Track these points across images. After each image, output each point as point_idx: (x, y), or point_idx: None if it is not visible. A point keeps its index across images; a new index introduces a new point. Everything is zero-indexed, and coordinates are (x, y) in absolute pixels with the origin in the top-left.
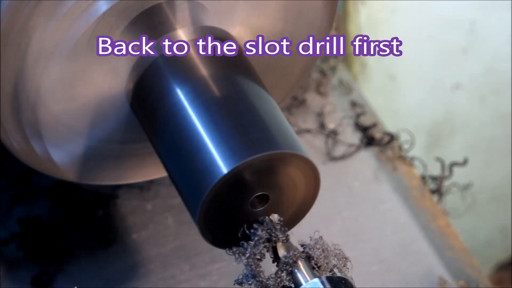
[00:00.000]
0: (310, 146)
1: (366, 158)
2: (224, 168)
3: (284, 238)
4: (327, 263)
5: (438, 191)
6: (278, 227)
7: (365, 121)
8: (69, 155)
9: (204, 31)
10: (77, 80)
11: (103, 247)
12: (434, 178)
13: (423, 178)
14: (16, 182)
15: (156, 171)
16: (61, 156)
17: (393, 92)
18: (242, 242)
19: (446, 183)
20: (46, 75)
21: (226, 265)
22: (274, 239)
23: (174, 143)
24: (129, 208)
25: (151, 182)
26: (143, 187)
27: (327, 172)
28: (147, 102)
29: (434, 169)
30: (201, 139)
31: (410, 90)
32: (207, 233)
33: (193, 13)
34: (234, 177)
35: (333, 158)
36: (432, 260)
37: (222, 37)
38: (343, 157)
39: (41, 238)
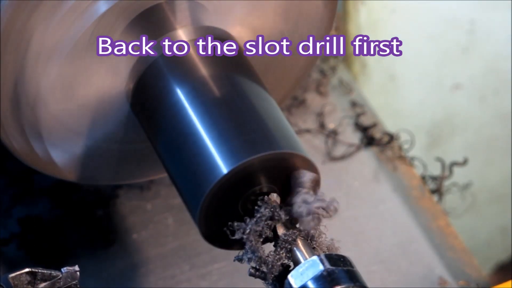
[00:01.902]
0: (310, 146)
1: (366, 158)
2: (224, 168)
3: (286, 218)
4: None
5: (438, 191)
6: (281, 206)
7: (365, 121)
8: (69, 155)
9: (204, 31)
10: (77, 80)
11: (103, 247)
12: (434, 178)
13: (423, 178)
14: (16, 182)
15: (156, 171)
16: (61, 156)
17: (393, 92)
18: (245, 217)
19: (446, 183)
20: (46, 75)
21: (226, 265)
22: (276, 218)
23: (174, 143)
24: (129, 208)
25: (151, 182)
26: (143, 187)
27: (327, 172)
28: (147, 102)
29: (434, 169)
30: (201, 139)
31: (410, 90)
32: (207, 233)
33: (193, 13)
34: (234, 177)
35: (333, 158)
36: (432, 260)
37: (222, 37)
38: (343, 157)
39: (41, 238)
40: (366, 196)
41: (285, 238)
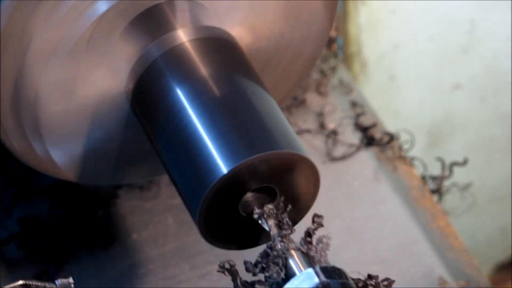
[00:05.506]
0: (310, 146)
1: (366, 158)
2: (224, 168)
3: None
4: (321, 255)
5: (438, 191)
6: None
7: (365, 121)
8: (69, 155)
9: (204, 31)
10: (77, 80)
11: (103, 247)
12: (434, 178)
13: (423, 178)
14: (16, 182)
15: (156, 171)
16: (61, 156)
17: (393, 92)
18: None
19: (446, 183)
20: (46, 75)
21: None
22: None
23: (174, 143)
24: (129, 208)
25: (151, 182)
26: (143, 187)
27: (327, 172)
28: (147, 102)
29: (434, 169)
30: (201, 139)
31: (410, 90)
32: (207, 233)
33: (193, 13)
34: (234, 177)
35: (333, 158)
36: (432, 260)
37: (222, 37)
38: (343, 157)
39: (41, 238)
40: (366, 196)
41: (278, 253)
